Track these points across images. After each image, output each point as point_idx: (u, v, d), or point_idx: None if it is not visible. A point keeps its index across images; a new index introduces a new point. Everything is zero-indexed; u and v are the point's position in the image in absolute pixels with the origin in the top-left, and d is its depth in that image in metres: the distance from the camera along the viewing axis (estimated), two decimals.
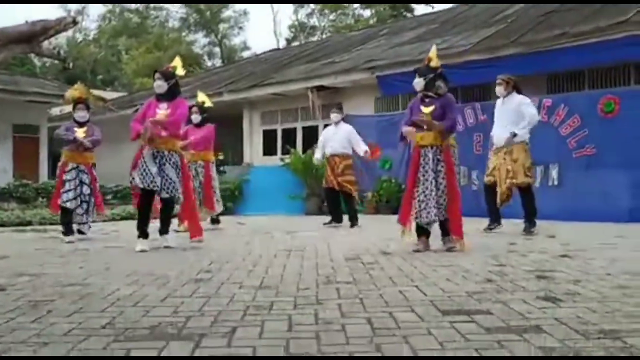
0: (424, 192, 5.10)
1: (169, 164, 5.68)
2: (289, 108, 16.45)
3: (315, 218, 11.03)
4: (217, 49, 46.57)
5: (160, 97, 5.81)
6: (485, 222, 7.13)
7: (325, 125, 15.28)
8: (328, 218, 8.96)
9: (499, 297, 3.13)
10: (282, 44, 42.23)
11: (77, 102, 7.10)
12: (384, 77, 13.42)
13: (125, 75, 43.60)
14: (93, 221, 7.27)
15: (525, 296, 3.12)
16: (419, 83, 5.28)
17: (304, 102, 15.35)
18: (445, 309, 2.87)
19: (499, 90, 6.99)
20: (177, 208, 6.40)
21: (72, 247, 6.02)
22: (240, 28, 48.53)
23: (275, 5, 43.11)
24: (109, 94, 26.46)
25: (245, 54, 44.95)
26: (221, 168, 11.74)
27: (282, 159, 13.44)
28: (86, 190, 6.90)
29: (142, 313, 2.92)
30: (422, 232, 5.23)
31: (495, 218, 7.04)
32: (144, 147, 5.66)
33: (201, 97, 8.45)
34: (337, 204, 8.86)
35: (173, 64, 6.01)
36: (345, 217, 8.72)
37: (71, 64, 27.53)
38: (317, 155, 9.16)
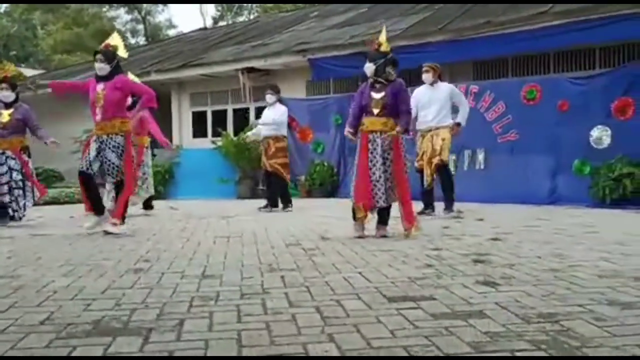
0: (372, 177, 5.12)
1: (109, 148, 5.49)
2: (219, 90, 16.15)
3: (248, 202, 10.97)
4: (140, 27, 44.90)
5: (100, 79, 5.58)
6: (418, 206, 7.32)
7: (258, 108, 15.22)
8: (262, 202, 8.88)
9: (440, 282, 3.24)
10: (209, 22, 41.29)
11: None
12: (316, 60, 13.40)
13: (42, 51, 41.34)
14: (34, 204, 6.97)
15: (464, 281, 3.24)
16: (369, 68, 5.25)
17: (234, 84, 15.10)
18: (391, 296, 2.94)
19: (427, 77, 7.25)
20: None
21: None
22: (165, 4, 47.01)
23: None
24: (25, 71, 25.04)
25: (171, 32, 43.66)
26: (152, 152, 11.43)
27: (213, 142, 13.21)
28: (17, 176, 6.55)
29: (83, 307, 2.82)
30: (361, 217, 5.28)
31: (428, 203, 7.24)
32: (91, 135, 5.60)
33: (131, 77, 8.13)
34: (273, 188, 8.76)
35: (113, 42, 5.72)
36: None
37: None
38: (251, 132, 9.04)
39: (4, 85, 6.65)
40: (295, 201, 9.01)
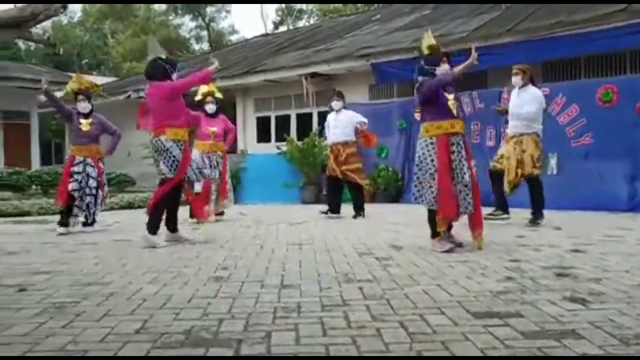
0: (459, 184, 4.82)
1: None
2: (282, 95, 16.36)
3: (313, 207, 11.03)
4: (204, 33, 46.08)
5: None
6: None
7: (320, 113, 15.32)
8: (326, 207, 8.68)
9: (524, 297, 3.16)
10: (270, 27, 41.91)
11: (77, 93, 7.01)
12: (379, 65, 13.36)
13: (112, 58, 43.06)
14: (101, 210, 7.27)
15: (551, 296, 3.15)
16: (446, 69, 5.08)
17: (297, 89, 15.27)
18: (475, 311, 2.89)
19: (516, 80, 6.92)
20: None
21: (80, 240, 5.98)
22: (228, 11, 48.28)
23: None
24: (97, 78, 26.13)
25: (233, 37, 44.60)
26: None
27: (278, 147, 13.38)
28: (92, 183, 6.87)
29: (172, 316, 2.91)
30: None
31: (501, 206, 7.04)
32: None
33: (211, 87, 8.31)
34: (336, 194, 8.59)
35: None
36: (345, 208, 8.63)
37: (61, 50, 27.05)
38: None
39: (81, 97, 6.96)
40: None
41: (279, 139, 15.37)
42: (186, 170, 5.70)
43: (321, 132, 13.32)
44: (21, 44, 35.98)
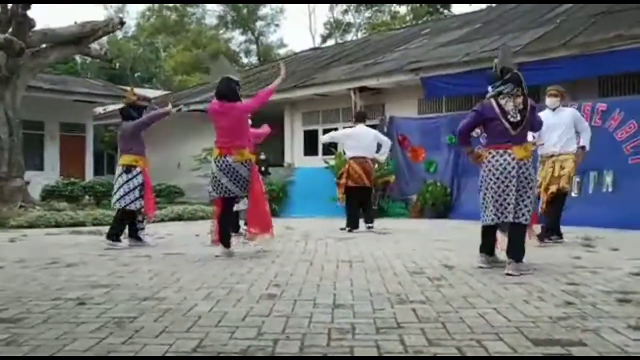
0: None
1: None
2: (330, 108, 16.44)
3: (360, 222, 10.98)
4: (253, 47, 46.85)
5: None
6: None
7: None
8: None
9: (586, 324, 3.06)
10: (318, 41, 42.28)
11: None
12: (428, 79, 13.28)
13: (164, 72, 44.21)
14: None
15: (614, 324, 3.04)
16: None
17: (345, 102, 15.31)
18: (535, 338, 2.81)
19: (554, 101, 6.80)
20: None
21: (134, 254, 6.12)
22: (277, 25, 48.91)
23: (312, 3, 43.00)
24: (148, 92, 26.86)
25: (282, 51, 45.20)
26: (263, 169, 11.78)
27: (326, 162, 13.42)
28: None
29: (228, 334, 2.94)
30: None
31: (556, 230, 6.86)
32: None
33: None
34: (357, 208, 8.97)
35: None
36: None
37: (117, 64, 28.00)
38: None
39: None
40: (407, 222, 8.93)
41: (326, 152, 15.43)
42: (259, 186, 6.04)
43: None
44: (77, 57, 37.45)
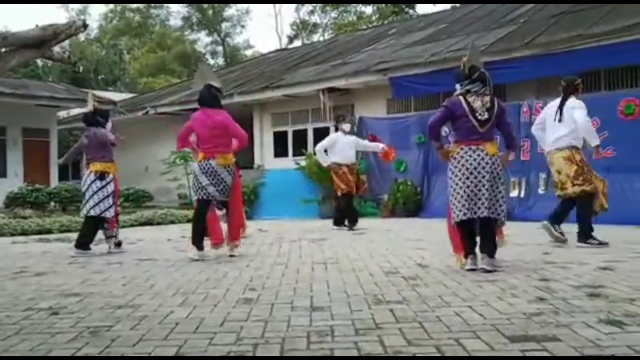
0: None
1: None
2: (299, 109, 16.44)
3: (331, 222, 11.02)
4: (219, 48, 46.53)
5: None
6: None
7: (337, 127, 15.34)
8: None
9: (559, 320, 3.13)
10: (284, 41, 42.24)
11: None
12: (397, 79, 13.40)
13: (129, 74, 43.58)
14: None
15: (586, 318, 3.12)
16: None
17: (314, 103, 15.34)
18: (511, 335, 2.87)
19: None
20: None
21: (104, 261, 6.02)
22: (243, 26, 48.77)
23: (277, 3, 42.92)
24: (113, 95, 26.47)
25: (248, 52, 45.01)
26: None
27: (297, 163, 13.43)
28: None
29: (207, 340, 2.92)
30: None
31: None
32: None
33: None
34: (348, 209, 9.34)
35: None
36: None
37: (80, 68, 27.45)
38: (327, 160, 9.41)
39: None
40: (379, 222, 9.01)
41: (296, 153, 15.44)
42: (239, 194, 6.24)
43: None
44: (39, 61, 36.61)
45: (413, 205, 11.82)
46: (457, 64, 5.51)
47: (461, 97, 4.94)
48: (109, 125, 6.95)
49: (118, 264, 5.76)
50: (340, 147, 9.24)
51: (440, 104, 12.92)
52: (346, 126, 9.44)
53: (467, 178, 4.80)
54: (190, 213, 12.10)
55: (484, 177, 4.77)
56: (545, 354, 2.56)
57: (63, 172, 20.28)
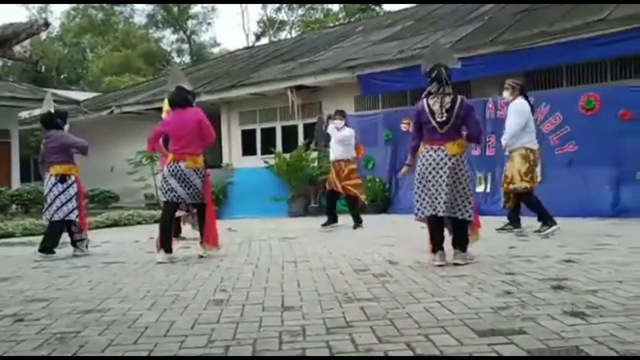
0: None
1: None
2: (267, 108, 16.38)
3: (301, 220, 11.06)
4: (186, 46, 45.99)
5: None
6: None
7: (305, 125, 15.37)
8: (314, 219, 8.99)
9: (525, 313, 3.20)
10: (251, 39, 41.99)
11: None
12: (365, 76, 13.45)
13: (92, 73, 42.74)
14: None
15: (550, 311, 3.19)
16: None
17: (282, 101, 15.30)
18: (479, 329, 2.92)
19: (505, 94, 7.02)
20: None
21: (70, 265, 5.90)
22: (209, 24, 48.17)
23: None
24: (75, 94, 25.92)
25: (215, 50, 44.59)
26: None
27: (265, 161, 13.39)
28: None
29: (177, 344, 2.90)
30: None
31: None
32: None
33: None
34: (334, 206, 8.98)
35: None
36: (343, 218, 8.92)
37: (43, 68, 26.78)
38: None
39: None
40: (348, 218, 9.04)
41: (265, 151, 15.39)
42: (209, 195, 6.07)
43: (308, 145, 13.36)
44: None
45: (381, 202, 11.90)
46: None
47: (424, 100, 5.02)
48: (67, 126, 6.80)
49: (84, 267, 5.66)
50: (332, 144, 9.02)
51: (408, 100, 13.14)
52: (337, 122, 8.88)
53: (427, 177, 4.90)
54: (157, 213, 12.03)
55: (441, 177, 4.85)
56: (513, 347, 2.62)
57: (25, 173, 19.79)
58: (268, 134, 16.42)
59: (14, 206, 14.96)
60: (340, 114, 9.00)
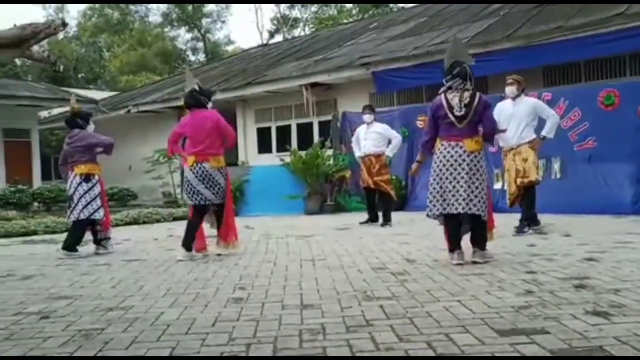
0: None
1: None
2: (282, 105, 16.43)
3: (318, 218, 11.07)
4: (200, 44, 46.22)
5: None
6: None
7: (321, 122, 15.38)
8: (330, 217, 8.99)
9: (547, 312, 3.18)
10: (265, 36, 42.05)
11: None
12: (379, 73, 13.43)
13: (109, 72, 43.12)
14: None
15: (573, 310, 3.18)
16: None
17: (297, 99, 15.33)
18: (500, 329, 2.91)
19: (511, 90, 6.95)
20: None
21: (92, 262, 5.97)
22: (223, 22, 48.40)
23: None
24: (93, 93, 26.17)
25: (229, 48, 44.75)
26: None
27: (281, 159, 13.43)
28: None
29: (199, 342, 2.93)
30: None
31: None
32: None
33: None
34: (373, 203, 9.01)
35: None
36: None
37: (61, 67, 27.07)
38: (357, 153, 9.13)
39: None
40: (365, 216, 9.04)
41: (280, 149, 15.42)
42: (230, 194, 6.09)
43: (323, 143, 13.32)
44: (17, 60, 36.01)
45: (398, 200, 11.85)
46: (440, 57, 5.58)
47: (442, 95, 4.99)
48: (91, 127, 6.85)
49: (106, 265, 5.73)
50: (360, 139, 8.98)
51: (423, 97, 13.10)
52: (366, 117, 8.93)
53: (444, 174, 4.87)
54: (175, 211, 12.13)
55: (459, 174, 4.82)
56: (535, 347, 2.61)
57: (46, 171, 20.07)
58: (283, 132, 16.47)
59: (35, 204, 15.18)
60: (369, 108, 9.05)
